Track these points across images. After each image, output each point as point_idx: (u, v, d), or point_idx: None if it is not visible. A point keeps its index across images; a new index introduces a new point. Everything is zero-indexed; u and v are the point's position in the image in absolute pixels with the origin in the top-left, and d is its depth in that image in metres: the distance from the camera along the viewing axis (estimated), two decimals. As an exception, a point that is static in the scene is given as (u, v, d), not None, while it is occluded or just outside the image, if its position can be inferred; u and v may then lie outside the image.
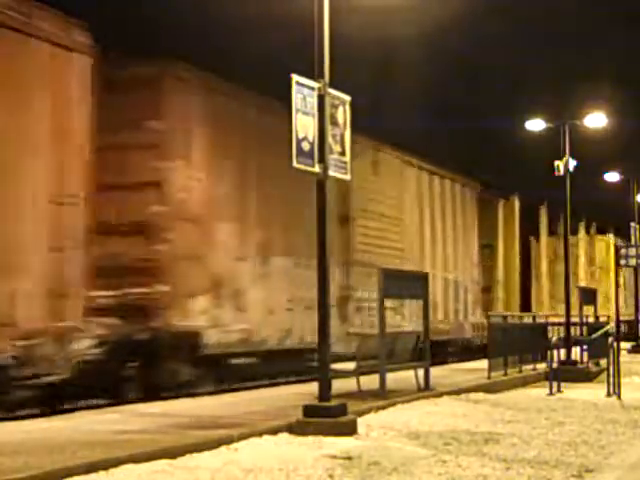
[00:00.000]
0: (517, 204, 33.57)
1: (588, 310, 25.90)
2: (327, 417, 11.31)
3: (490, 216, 31.17)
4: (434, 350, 17.53)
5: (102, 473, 8.54)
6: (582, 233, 43.17)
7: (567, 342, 22.49)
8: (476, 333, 27.38)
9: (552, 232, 38.62)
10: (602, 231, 45.26)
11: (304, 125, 11.64)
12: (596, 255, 44.52)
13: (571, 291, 37.70)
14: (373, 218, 22.28)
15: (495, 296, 31.21)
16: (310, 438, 10.89)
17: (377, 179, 22.73)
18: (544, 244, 38.61)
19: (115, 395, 14.38)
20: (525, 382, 19.90)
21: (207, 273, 16.13)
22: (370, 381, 14.96)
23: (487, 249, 30.85)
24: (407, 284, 16.42)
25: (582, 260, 42.64)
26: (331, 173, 12.01)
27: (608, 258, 44.51)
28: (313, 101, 11.78)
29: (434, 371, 16.99)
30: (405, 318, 22.27)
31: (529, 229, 37.46)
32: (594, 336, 22.77)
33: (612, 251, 44.46)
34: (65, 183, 12.80)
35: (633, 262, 30.46)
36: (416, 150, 25.83)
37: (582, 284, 38.23)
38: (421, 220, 25.21)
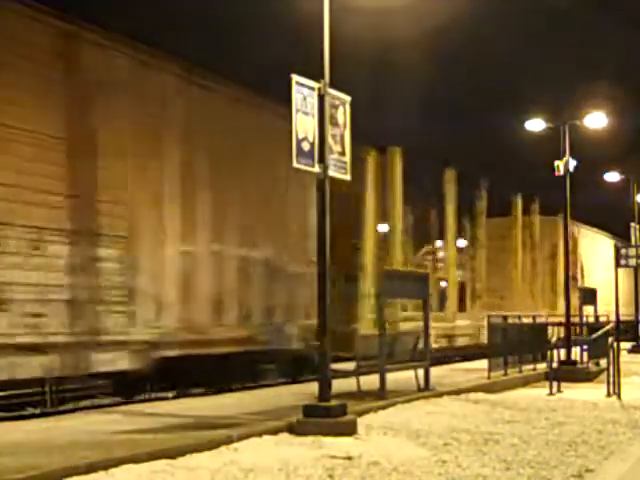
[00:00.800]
0: (399, 159, 23.56)
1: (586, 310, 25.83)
2: (327, 417, 11.31)
3: (354, 174, 22.49)
4: (216, 367, 14.73)
5: (102, 473, 8.54)
6: (518, 212, 35.56)
7: (567, 342, 22.48)
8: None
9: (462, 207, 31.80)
10: (549, 211, 37.30)
11: (304, 125, 11.65)
12: (538, 239, 36.83)
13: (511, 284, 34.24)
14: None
15: (362, 290, 21.83)
16: (310, 438, 10.89)
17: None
18: (451, 223, 30.08)
19: None
20: (525, 382, 19.88)
21: None
22: (370, 381, 14.96)
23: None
24: (406, 284, 16.38)
25: (518, 245, 35.20)
26: (331, 173, 12.02)
27: (557, 244, 37.14)
28: (313, 101, 11.79)
29: (434, 371, 16.99)
30: (136, 321, 14.63)
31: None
32: (594, 336, 22.76)
33: (562, 236, 38.61)
34: None
35: (633, 262, 30.38)
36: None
37: (518, 276, 33.30)
38: (156, 156, 15.36)
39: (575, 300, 35.78)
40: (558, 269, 36.84)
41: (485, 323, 26.91)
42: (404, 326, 21.36)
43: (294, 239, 18.83)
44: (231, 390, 16.61)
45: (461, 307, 31.04)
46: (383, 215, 23.57)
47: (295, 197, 19.20)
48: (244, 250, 17.11)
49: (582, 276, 39.59)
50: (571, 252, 38.92)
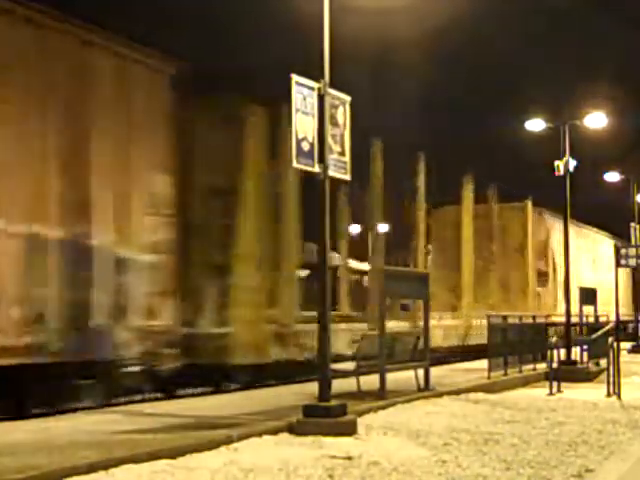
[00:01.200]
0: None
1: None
2: (327, 417, 11.31)
3: (231, 137, 16.29)
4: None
5: (102, 473, 8.55)
6: (468, 197, 30.31)
7: (567, 342, 22.48)
8: (168, 352, 14.95)
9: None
10: (510, 196, 32.63)
11: (304, 125, 11.65)
12: (496, 229, 31.82)
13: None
14: None
15: (239, 283, 16.94)
16: (310, 438, 10.89)
17: None
18: (376, 204, 24.61)
19: None
20: (525, 382, 19.88)
21: None
22: (370, 381, 14.96)
23: (220, 197, 16.70)
24: (405, 283, 16.36)
25: (468, 235, 30.17)
26: (331, 173, 12.02)
27: (524, 235, 33.12)
28: (313, 101, 11.79)
29: (434, 371, 16.99)
30: None
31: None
32: (594, 336, 22.76)
33: (530, 226, 33.31)
34: None
35: (633, 262, 30.33)
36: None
37: (467, 269, 29.37)
38: None
39: (550, 299, 33.30)
40: (527, 263, 33.19)
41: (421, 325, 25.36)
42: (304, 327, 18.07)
43: (128, 213, 14.16)
44: (231, 391, 16.59)
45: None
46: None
47: (138, 154, 14.41)
48: (33, 226, 12.26)
49: (554, 272, 34.92)
50: (542, 245, 34.60)
